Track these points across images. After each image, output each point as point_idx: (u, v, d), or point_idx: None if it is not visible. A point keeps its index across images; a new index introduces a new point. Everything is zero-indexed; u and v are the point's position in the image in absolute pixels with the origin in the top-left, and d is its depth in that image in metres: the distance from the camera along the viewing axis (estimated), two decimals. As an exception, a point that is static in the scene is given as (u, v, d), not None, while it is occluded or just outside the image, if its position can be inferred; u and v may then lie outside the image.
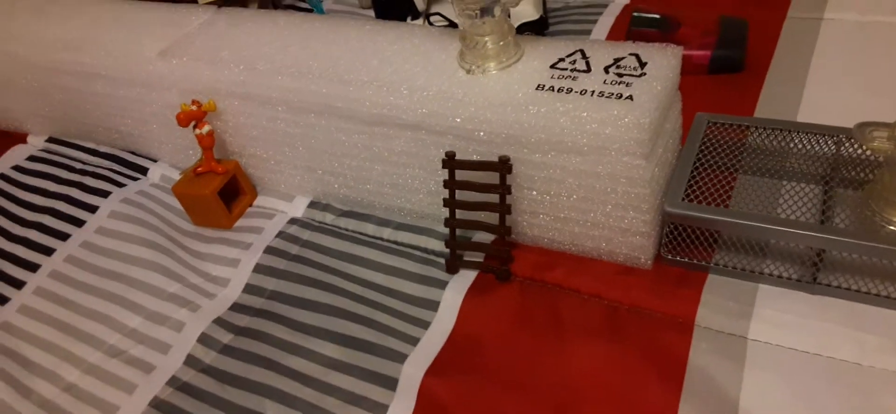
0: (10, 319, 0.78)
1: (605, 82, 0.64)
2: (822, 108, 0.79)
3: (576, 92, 0.63)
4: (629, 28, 0.94)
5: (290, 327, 0.71)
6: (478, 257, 0.73)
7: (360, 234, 0.80)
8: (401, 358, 0.65)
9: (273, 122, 0.79)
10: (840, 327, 0.60)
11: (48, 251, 0.85)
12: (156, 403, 0.66)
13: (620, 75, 0.64)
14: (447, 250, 0.74)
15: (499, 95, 0.65)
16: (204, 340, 0.71)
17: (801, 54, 0.88)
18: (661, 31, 0.91)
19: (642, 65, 0.64)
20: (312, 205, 0.84)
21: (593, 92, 0.63)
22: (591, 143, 0.61)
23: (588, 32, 1.00)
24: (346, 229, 0.81)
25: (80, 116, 0.98)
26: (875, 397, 0.56)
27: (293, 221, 0.83)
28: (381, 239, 0.79)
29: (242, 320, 0.72)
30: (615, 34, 0.98)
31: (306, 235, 0.81)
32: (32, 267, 0.83)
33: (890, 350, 0.58)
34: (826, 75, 0.84)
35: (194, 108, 0.80)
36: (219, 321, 0.72)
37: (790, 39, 0.92)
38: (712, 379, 0.58)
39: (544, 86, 0.65)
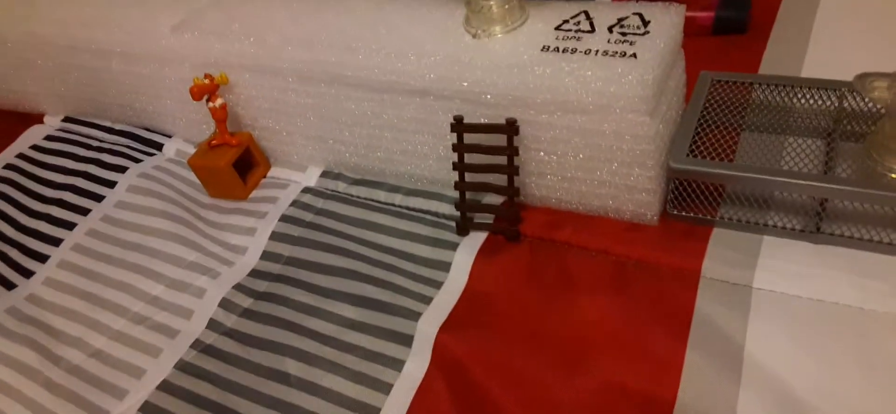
0: (36, 291, 0.80)
1: (609, 42, 0.65)
2: (825, 64, 0.80)
3: (580, 52, 0.65)
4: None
5: (307, 291, 0.73)
6: (488, 219, 0.75)
7: (373, 200, 0.82)
8: (415, 316, 0.68)
9: (284, 92, 0.81)
10: (843, 274, 0.61)
11: (70, 226, 0.87)
12: (181, 365, 0.69)
13: (624, 34, 0.65)
14: (458, 213, 0.75)
15: (504, 58, 0.67)
16: (225, 304, 0.73)
17: (804, 13, 0.89)
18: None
19: (645, 24, 0.65)
20: (325, 174, 0.86)
21: (598, 51, 0.64)
22: (596, 101, 0.63)
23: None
24: (359, 196, 0.83)
25: (95, 95, 1.00)
26: (878, 340, 0.57)
27: (307, 190, 0.85)
28: (393, 205, 0.81)
29: (261, 285, 0.75)
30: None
31: (320, 202, 0.83)
32: (55, 242, 0.85)
33: (892, 295, 0.59)
34: (829, 33, 0.85)
35: (207, 81, 0.82)
36: (238, 287, 0.75)
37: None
38: (718, 327, 0.60)
39: (549, 47, 0.66)
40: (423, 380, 0.63)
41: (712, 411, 0.55)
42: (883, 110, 0.64)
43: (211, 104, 0.83)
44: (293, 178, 0.87)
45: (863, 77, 0.61)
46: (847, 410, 0.54)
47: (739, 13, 0.88)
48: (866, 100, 0.68)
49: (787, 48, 0.84)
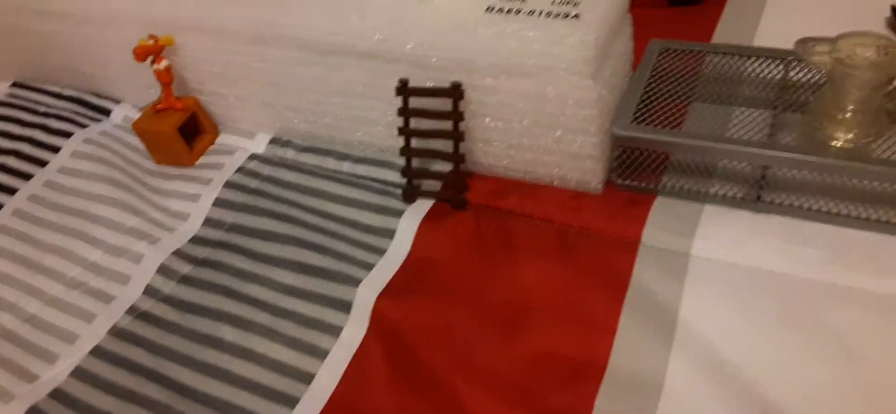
0: (-27, 256, 0.78)
1: (553, 3, 0.64)
2: (777, 35, 0.80)
3: (524, 12, 0.64)
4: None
5: (248, 257, 0.71)
6: (434, 187, 0.74)
7: (321, 168, 0.80)
8: (355, 283, 0.67)
9: (231, 55, 0.79)
10: (780, 242, 0.61)
11: (11, 191, 0.85)
12: (115, 331, 0.67)
13: (568, -4, 0.64)
14: (404, 180, 0.74)
15: (449, 19, 0.66)
16: (163, 270, 0.72)
17: (760, -16, 0.88)
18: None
19: (590, -15, 0.64)
20: (274, 141, 0.85)
21: (541, 12, 0.63)
22: (539, 63, 0.62)
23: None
24: (307, 164, 0.81)
25: (43, 60, 0.97)
26: (810, 306, 0.57)
27: (254, 157, 0.83)
28: (341, 172, 0.79)
29: (202, 252, 0.73)
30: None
31: (266, 170, 0.81)
32: (-4, 207, 0.84)
33: (825, 262, 0.59)
34: (783, 5, 0.85)
35: (151, 42, 0.80)
36: (178, 253, 0.73)
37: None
38: (653, 293, 0.60)
39: (494, 7, 0.65)
40: (360, 346, 0.62)
41: (642, 374, 0.55)
42: (824, 78, 0.63)
43: (156, 66, 0.81)
44: (241, 144, 0.85)
45: (804, 42, 0.61)
46: (777, 374, 0.54)
47: (695, -15, 0.88)
48: (810, 68, 0.68)
49: (741, 17, 0.84)
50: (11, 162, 0.89)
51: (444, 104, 0.69)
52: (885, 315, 0.55)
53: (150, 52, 0.80)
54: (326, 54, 0.74)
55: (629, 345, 0.57)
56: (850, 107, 0.59)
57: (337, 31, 0.71)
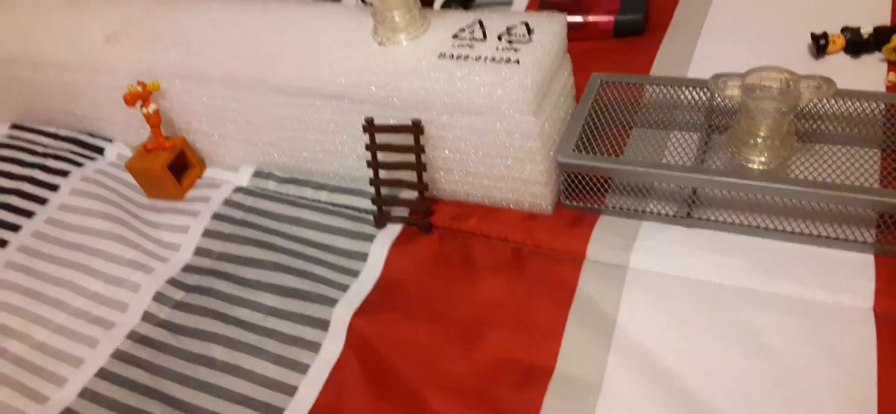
0: (-17, 291, 0.85)
1: (497, 49, 0.72)
2: (710, 63, 0.88)
3: (472, 59, 0.71)
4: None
5: (235, 283, 0.79)
6: (403, 212, 0.82)
7: (300, 198, 0.88)
8: (332, 303, 0.74)
9: (212, 98, 0.86)
10: (706, 254, 0.69)
11: (15, 228, 0.92)
12: (117, 354, 0.74)
13: (511, 42, 0.72)
14: (375, 208, 0.82)
15: (406, 64, 0.73)
16: (159, 298, 0.79)
17: (696, 15, 0.96)
18: (572, 0, 0.99)
19: (530, 32, 0.72)
20: (257, 174, 0.92)
21: (487, 58, 0.71)
22: (486, 103, 0.70)
23: (510, 3, 1.08)
24: (288, 194, 0.89)
25: (38, 103, 1.04)
26: (732, 310, 0.65)
27: (238, 190, 0.91)
28: (319, 201, 0.87)
29: (193, 279, 0.81)
30: (535, 5, 1.06)
31: (250, 201, 0.89)
32: (1, 243, 0.90)
33: (746, 270, 0.67)
34: (717, 34, 0.93)
35: (139, 88, 0.87)
36: (172, 281, 0.81)
37: (688, 1, 1.00)
38: (595, 302, 0.68)
39: (445, 54, 0.73)
40: (338, 360, 0.70)
41: (585, 376, 0.63)
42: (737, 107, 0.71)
43: (144, 110, 0.88)
44: (226, 178, 0.93)
45: (716, 78, 0.69)
46: (702, 370, 0.61)
47: (636, 16, 0.95)
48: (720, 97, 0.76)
49: (677, 48, 0.92)
50: (14, 200, 0.96)
51: (407, 139, 0.76)
52: (799, 316, 0.63)
53: (139, 97, 0.87)
54: (298, 96, 0.81)
55: (573, 350, 0.65)
56: (761, 133, 0.67)
57: (306, 76, 0.78)
